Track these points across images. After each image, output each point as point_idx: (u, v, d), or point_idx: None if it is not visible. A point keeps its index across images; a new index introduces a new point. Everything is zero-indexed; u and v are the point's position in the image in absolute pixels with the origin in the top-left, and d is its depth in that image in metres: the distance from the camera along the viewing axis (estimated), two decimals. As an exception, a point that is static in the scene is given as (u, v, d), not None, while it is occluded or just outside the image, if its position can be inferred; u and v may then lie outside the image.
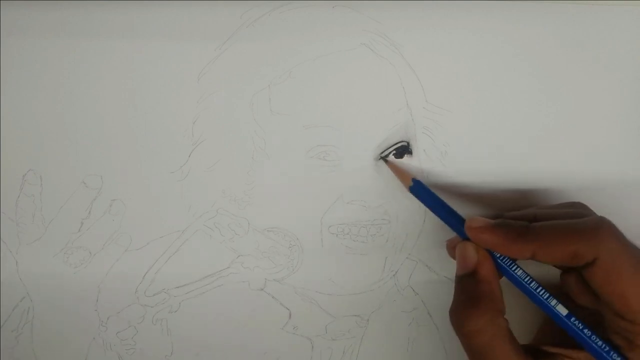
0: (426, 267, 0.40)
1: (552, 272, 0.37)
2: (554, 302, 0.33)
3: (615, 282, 0.31)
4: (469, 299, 0.33)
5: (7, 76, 0.38)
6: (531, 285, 0.33)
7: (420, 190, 0.37)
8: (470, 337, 0.32)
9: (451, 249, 0.36)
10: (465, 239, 0.35)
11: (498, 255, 0.34)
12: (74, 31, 0.38)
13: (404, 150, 0.39)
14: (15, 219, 0.38)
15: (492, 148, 0.39)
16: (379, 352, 0.41)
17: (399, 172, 0.38)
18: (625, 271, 0.31)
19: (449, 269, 0.40)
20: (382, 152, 0.39)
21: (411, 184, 0.37)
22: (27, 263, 0.38)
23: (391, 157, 0.39)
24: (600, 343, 0.32)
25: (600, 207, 0.36)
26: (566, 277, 0.35)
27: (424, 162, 0.39)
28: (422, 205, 0.37)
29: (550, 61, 0.39)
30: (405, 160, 0.39)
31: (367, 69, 0.38)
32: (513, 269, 0.34)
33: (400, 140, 0.39)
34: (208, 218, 0.39)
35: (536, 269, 0.36)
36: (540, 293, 0.33)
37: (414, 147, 0.39)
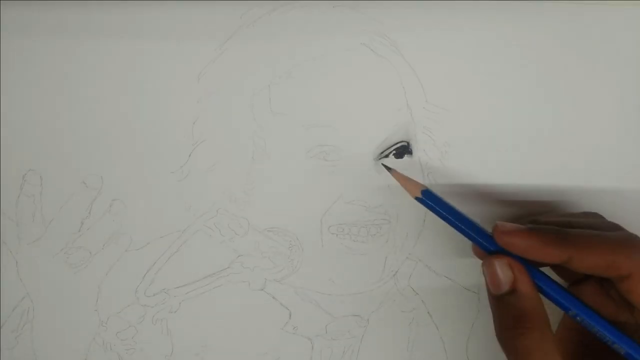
0: (426, 267, 0.40)
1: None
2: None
3: None
4: (515, 318, 0.32)
5: (7, 76, 0.38)
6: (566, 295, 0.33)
7: (432, 200, 0.35)
8: (525, 357, 0.31)
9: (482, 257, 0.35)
10: (490, 250, 0.33)
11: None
12: (74, 31, 0.37)
13: (404, 150, 0.39)
14: (15, 219, 0.38)
15: (493, 148, 0.39)
16: (379, 352, 0.41)
17: (405, 182, 0.36)
18: None
19: (449, 269, 0.40)
20: (382, 152, 0.39)
21: (419, 195, 0.35)
22: (27, 263, 0.38)
23: (392, 163, 0.38)
24: None
25: (600, 207, 0.36)
26: (584, 288, 0.35)
27: (424, 162, 0.39)
28: (422, 205, 0.37)
29: (551, 61, 0.39)
30: (406, 160, 0.39)
31: (367, 69, 0.38)
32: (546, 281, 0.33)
33: (401, 140, 0.39)
34: (208, 218, 0.39)
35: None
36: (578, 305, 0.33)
37: (414, 147, 0.39)
